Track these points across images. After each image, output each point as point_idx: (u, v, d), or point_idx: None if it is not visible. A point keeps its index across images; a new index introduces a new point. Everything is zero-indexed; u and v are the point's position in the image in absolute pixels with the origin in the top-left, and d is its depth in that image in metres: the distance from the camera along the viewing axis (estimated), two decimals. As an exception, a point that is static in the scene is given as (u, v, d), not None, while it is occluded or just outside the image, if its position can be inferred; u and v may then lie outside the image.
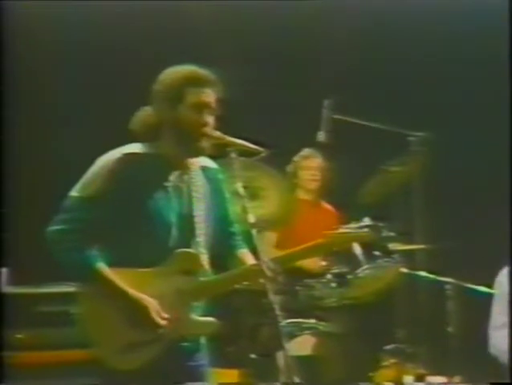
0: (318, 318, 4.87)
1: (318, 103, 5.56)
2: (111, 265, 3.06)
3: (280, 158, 5.38)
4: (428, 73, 6.04)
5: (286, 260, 3.19)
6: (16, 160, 5.32)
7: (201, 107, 3.11)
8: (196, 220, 3.14)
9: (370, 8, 5.92)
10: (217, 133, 3.15)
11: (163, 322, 3.05)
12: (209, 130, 3.12)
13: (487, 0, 5.73)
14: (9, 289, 4.71)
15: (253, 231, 3.05)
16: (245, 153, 3.19)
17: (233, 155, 3.15)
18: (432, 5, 5.95)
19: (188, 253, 3.12)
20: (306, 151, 5.60)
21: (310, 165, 5.56)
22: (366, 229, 3.30)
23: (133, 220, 3.06)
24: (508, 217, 5.30)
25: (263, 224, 3.37)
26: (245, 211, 3.09)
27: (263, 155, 3.24)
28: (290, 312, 4.55)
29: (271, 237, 5.09)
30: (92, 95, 5.71)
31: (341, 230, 3.27)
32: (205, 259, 3.16)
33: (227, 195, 3.29)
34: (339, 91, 5.54)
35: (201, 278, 3.13)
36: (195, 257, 3.13)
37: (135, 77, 4.88)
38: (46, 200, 3.20)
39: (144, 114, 3.20)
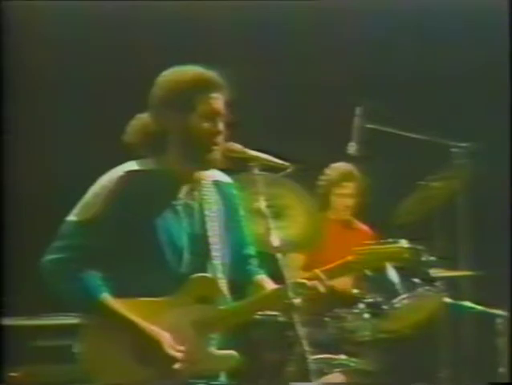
0: (350, 354, 4.86)
1: (349, 111, 5.63)
2: (116, 295, 3.07)
3: (307, 173, 5.48)
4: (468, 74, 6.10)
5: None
6: (17, 178, 5.45)
7: (214, 114, 3.13)
8: (210, 241, 3.15)
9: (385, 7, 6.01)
10: (238, 147, 3.19)
11: (178, 356, 3.05)
12: (221, 139, 3.14)
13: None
14: (5, 321, 4.70)
15: (278, 254, 3.06)
16: (268, 168, 3.22)
17: (255, 170, 3.18)
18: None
19: (205, 278, 3.13)
20: (342, 170, 5.45)
21: (345, 192, 5.45)
22: (401, 246, 3.29)
23: (140, 245, 3.07)
24: None
25: (288, 247, 3.41)
26: (268, 232, 3.10)
27: (289, 170, 3.28)
28: (319, 346, 4.57)
29: (297, 258, 5.06)
30: (93, 95, 5.85)
31: (372, 247, 3.29)
32: (223, 284, 3.16)
33: (242, 213, 3.30)
34: (370, 97, 5.60)
35: (220, 306, 3.14)
36: (212, 283, 3.13)
37: (136, 76, 5.00)
38: (46, 227, 3.26)
39: (141, 123, 3.19)
